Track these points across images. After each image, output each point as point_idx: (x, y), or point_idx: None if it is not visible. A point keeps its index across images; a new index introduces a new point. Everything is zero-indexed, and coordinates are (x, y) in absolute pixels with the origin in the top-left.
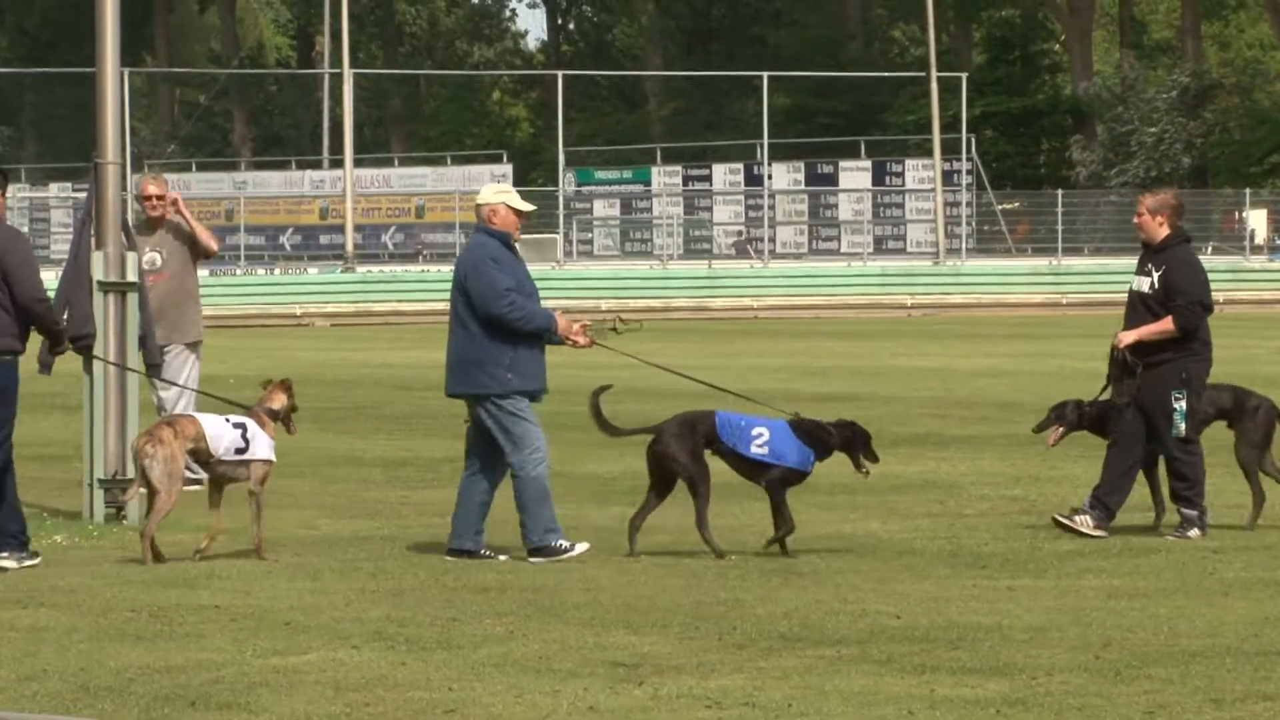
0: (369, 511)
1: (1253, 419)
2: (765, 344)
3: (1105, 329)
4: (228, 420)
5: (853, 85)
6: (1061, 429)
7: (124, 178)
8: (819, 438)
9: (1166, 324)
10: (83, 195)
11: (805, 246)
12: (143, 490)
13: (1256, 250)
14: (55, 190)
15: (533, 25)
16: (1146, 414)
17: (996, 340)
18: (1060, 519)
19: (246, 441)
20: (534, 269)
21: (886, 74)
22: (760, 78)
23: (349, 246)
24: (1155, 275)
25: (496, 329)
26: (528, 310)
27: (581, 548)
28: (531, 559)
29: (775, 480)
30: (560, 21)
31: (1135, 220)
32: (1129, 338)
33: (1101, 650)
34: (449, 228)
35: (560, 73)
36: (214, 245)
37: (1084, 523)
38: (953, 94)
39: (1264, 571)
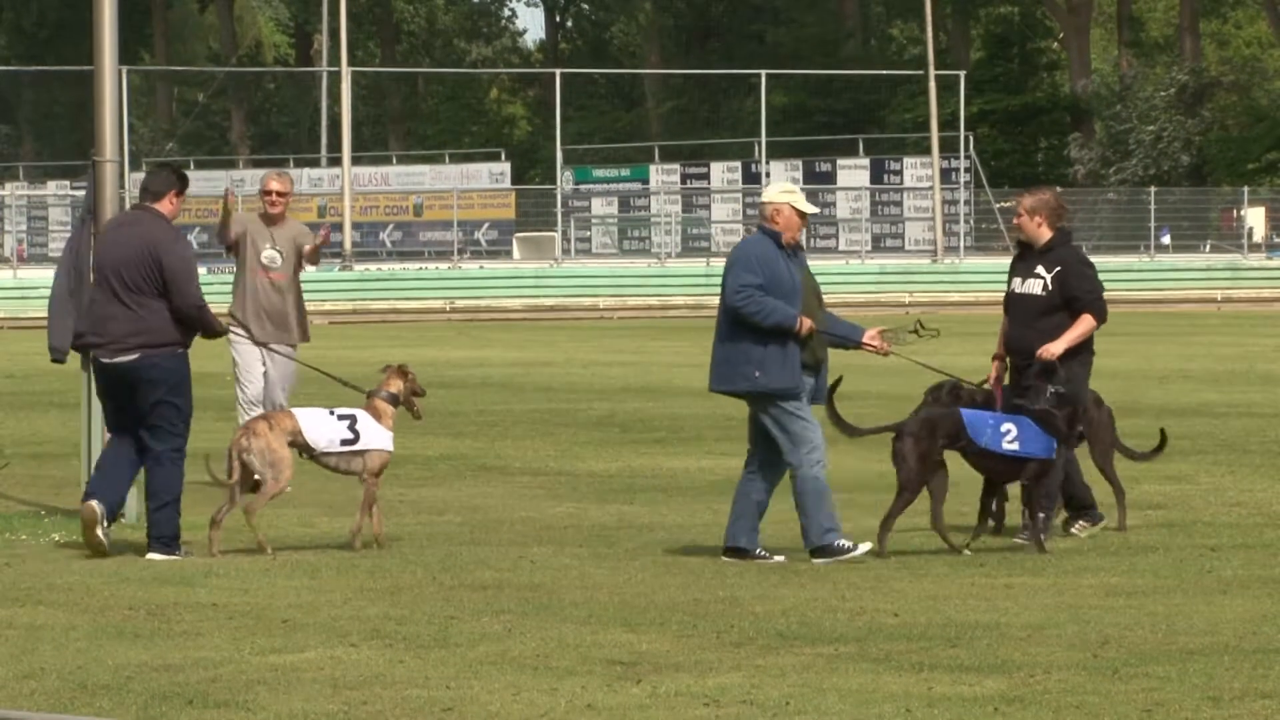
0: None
1: (1101, 421)
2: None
3: (1104, 327)
4: (333, 413)
5: (851, 83)
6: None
7: (122, 176)
8: (1055, 425)
9: (1087, 324)
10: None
11: (803, 245)
12: (231, 481)
13: (1254, 248)
14: (53, 188)
15: (531, 24)
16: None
17: (994, 339)
18: (1072, 531)
19: (355, 433)
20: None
21: (884, 72)
22: (758, 76)
23: (347, 245)
24: (1048, 277)
25: (745, 326)
26: (764, 305)
27: (864, 548)
28: (814, 560)
29: (1035, 475)
30: (558, 19)
31: (1015, 221)
32: (1059, 348)
33: (1099, 648)
34: (447, 226)
35: (558, 71)
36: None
37: (1082, 528)
38: (951, 92)
39: (1262, 569)
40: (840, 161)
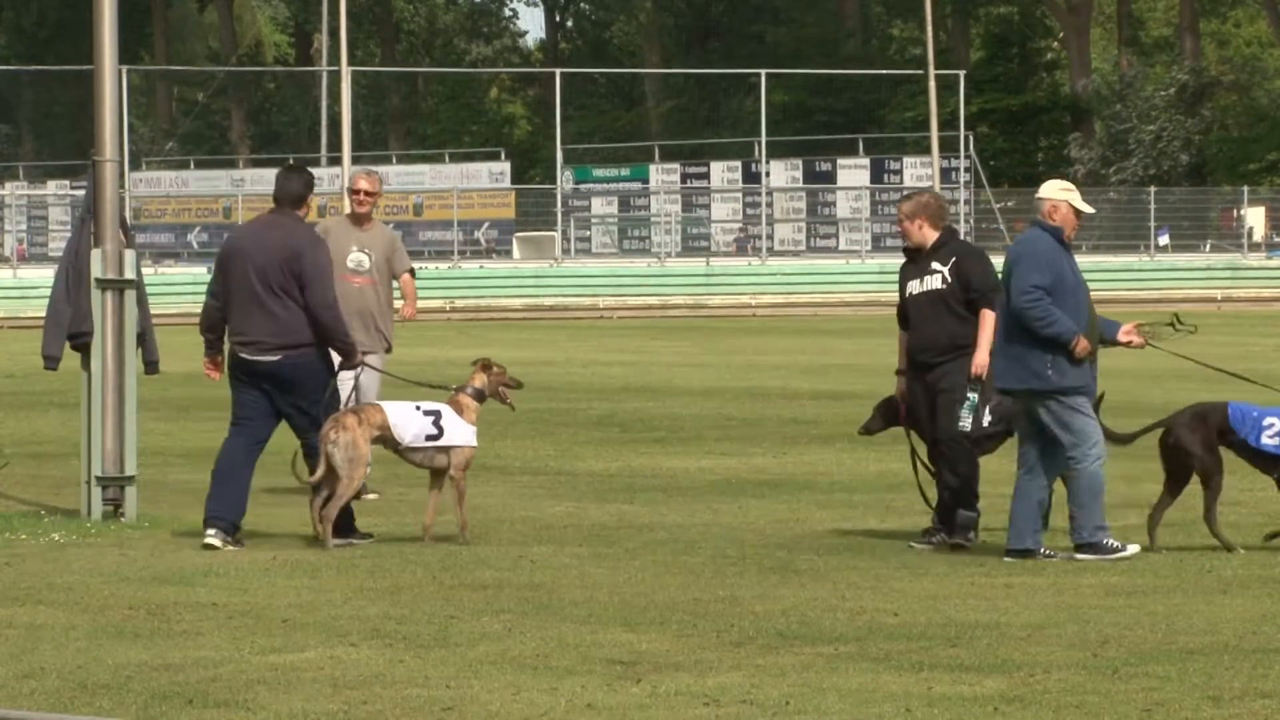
0: (366, 509)
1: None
2: (763, 341)
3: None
4: (418, 408)
5: (851, 83)
6: (883, 424)
7: (122, 175)
8: None
9: (991, 321)
10: (80, 193)
11: (803, 244)
12: (317, 477)
13: (1254, 248)
14: (53, 188)
15: (531, 23)
16: (926, 407)
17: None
18: (958, 542)
19: (440, 429)
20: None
21: (884, 71)
22: (758, 75)
23: None
24: (945, 269)
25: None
26: (1050, 314)
27: (1132, 549)
28: (1079, 555)
29: None
30: (558, 19)
31: (900, 228)
32: (983, 357)
33: (1099, 648)
34: (447, 225)
35: (558, 70)
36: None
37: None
38: (950, 91)
39: (1262, 569)
40: (840, 161)
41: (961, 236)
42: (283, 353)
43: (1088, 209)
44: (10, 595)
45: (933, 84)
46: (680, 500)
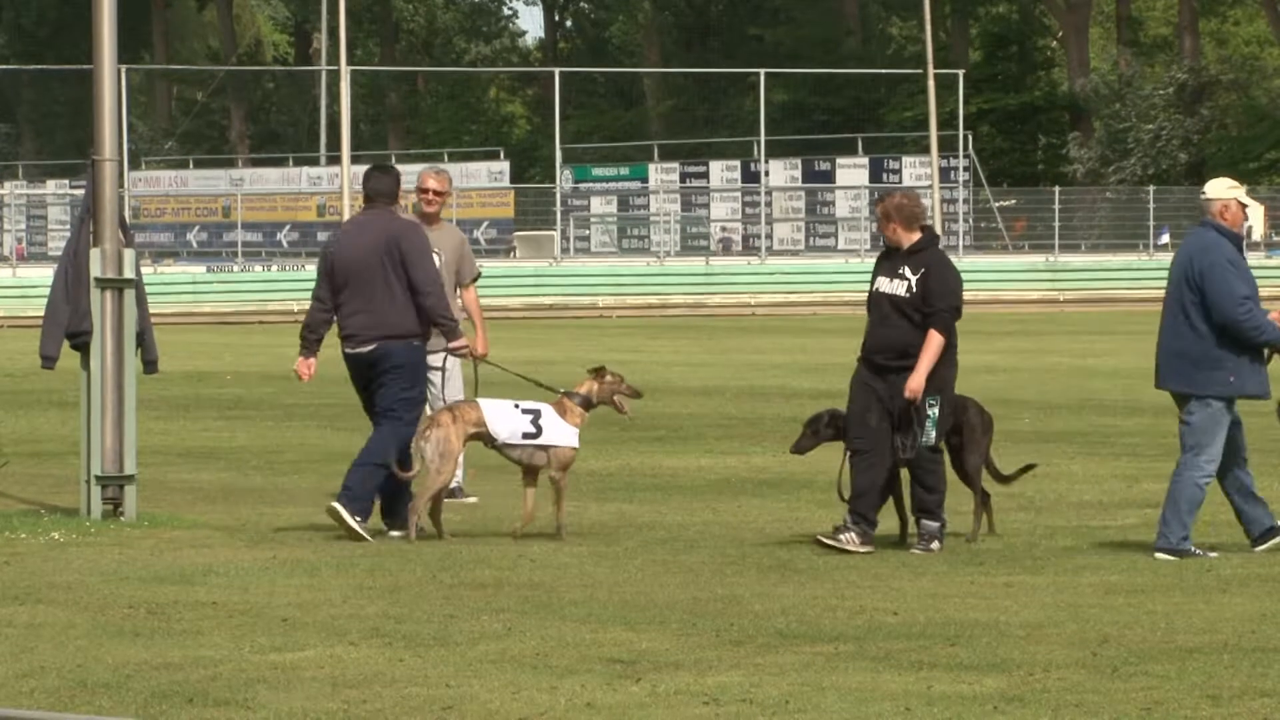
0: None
1: (982, 428)
2: (763, 341)
3: (1103, 326)
4: (517, 406)
5: (850, 82)
6: (819, 443)
7: (121, 175)
8: None
9: (936, 343)
10: (80, 192)
11: (802, 243)
12: (415, 472)
13: (1253, 247)
14: (52, 187)
15: (530, 23)
16: (893, 419)
17: (994, 337)
18: (823, 539)
19: (538, 428)
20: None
21: (883, 71)
22: (757, 74)
23: None
24: (913, 279)
25: (1227, 333)
26: (1262, 322)
27: (1213, 556)
28: (1158, 554)
29: None
30: (558, 18)
31: (880, 228)
32: (919, 382)
33: (1099, 647)
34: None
35: (557, 70)
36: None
37: (850, 540)
38: (950, 91)
39: (1261, 568)
40: (839, 160)
41: (942, 243)
42: (378, 342)
43: (1252, 203)
44: (10, 594)
45: (932, 83)
46: (680, 499)
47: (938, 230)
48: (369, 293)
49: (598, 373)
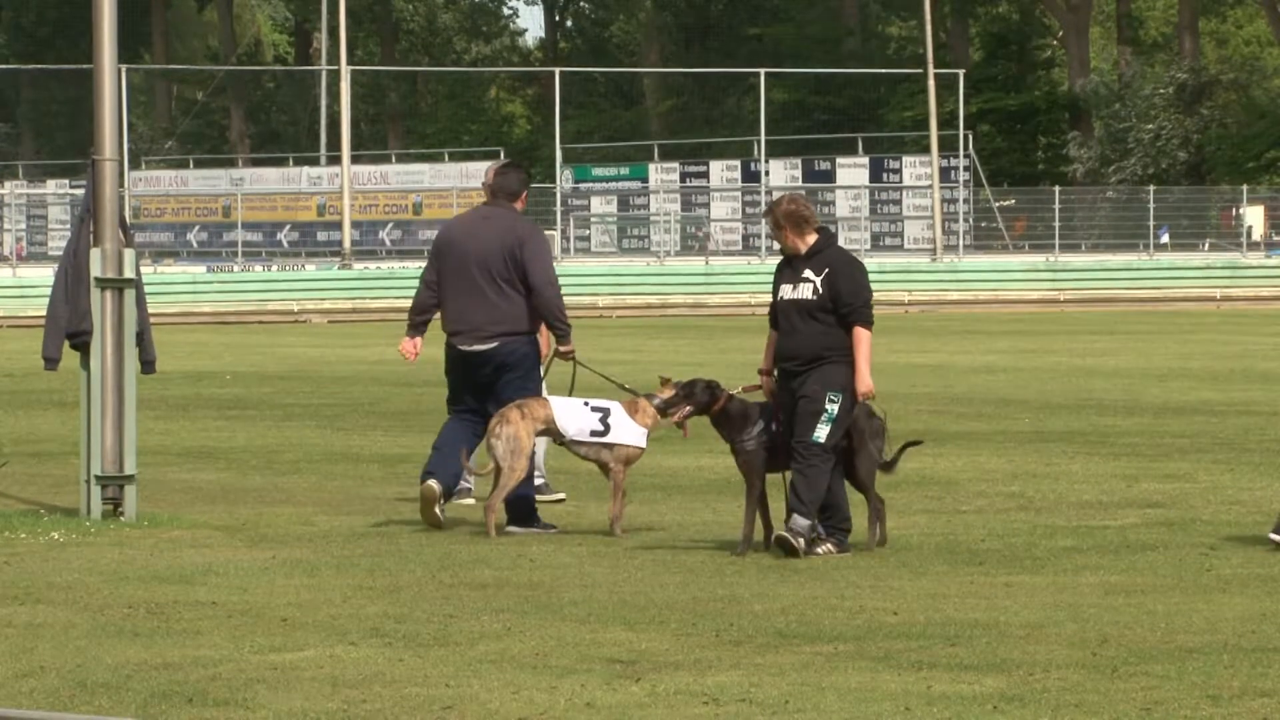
0: (366, 508)
1: (872, 432)
2: (762, 341)
3: (1103, 326)
4: (586, 404)
5: (850, 82)
6: (689, 408)
7: (121, 174)
8: None
9: (866, 339)
10: (80, 192)
11: None
12: (489, 469)
13: (1253, 247)
14: (52, 187)
15: (530, 22)
16: (789, 413)
17: (994, 337)
18: (784, 536)
19: (606, 425)
20: None
21: (884, 70)
22: (758, 74)
23: (346, 243)
24: (817, 280)
25: None
26: None
27: None
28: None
29: None
30: (558, 18)
31: (770, 232)
32: (866, 384)
33: (1099, 647)
34: None
35: (557, 69)
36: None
37: (828, 551)
38: (950, 90)
39: (1261, 568)
40: (839, 160)
41: (840, 242)
42: (499, 340)
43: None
44: (9, 594)
45: (932, 83)
46: (679, 499)
47: (938, 230)
48: (488, 288)
49: (669, 384)
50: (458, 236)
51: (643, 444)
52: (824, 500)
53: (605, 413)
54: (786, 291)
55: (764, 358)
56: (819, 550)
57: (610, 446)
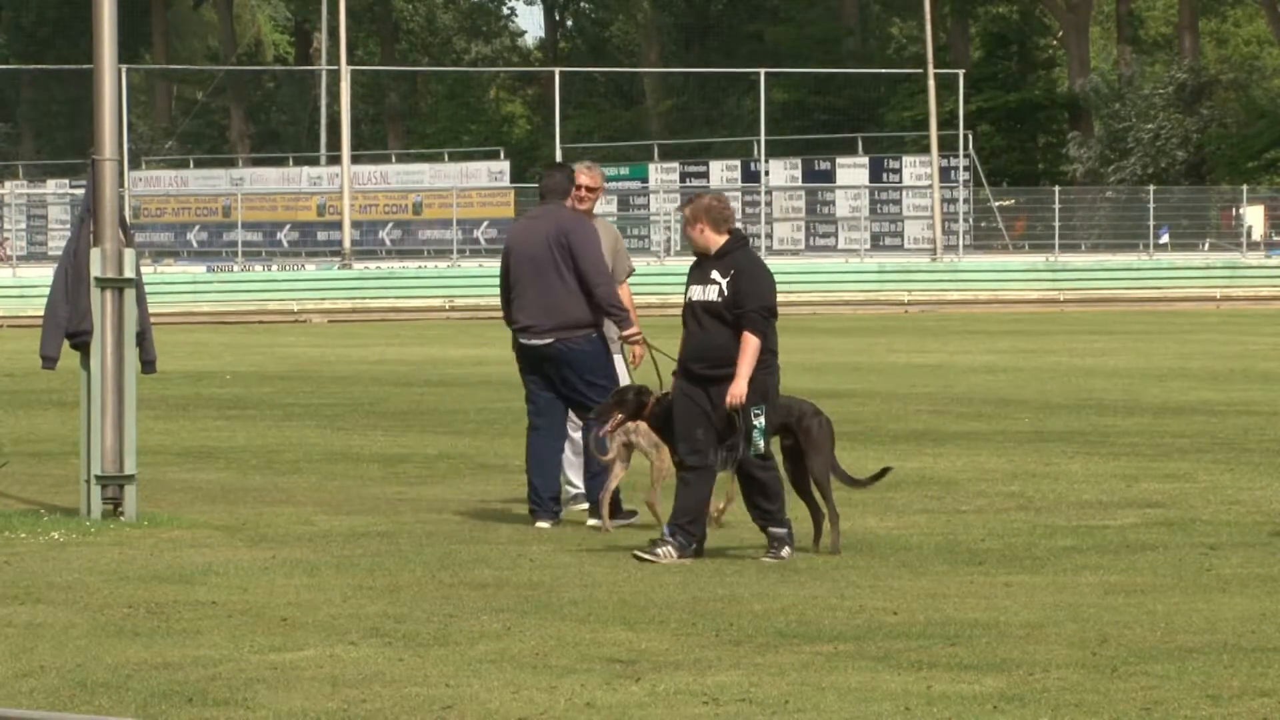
0: (366, 508)
1: (823, 436)
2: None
3: (1103, 326)
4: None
5: (850, 81)
6: (620, 416)
7: (121, 174)
8: None
9: (753, 346)
10: (80, 192)
11: (802, 243)
12: (609, 457)
13: (1253, 247)
14: (53, 186)
15: (530, 22)
16: (717, 432)
17: (994, 336)
18: (640, 554)
19: None
20: None
21: (883, 70)
22: (757, 74)
23: (346, 243)
24: (723, 282)
25: None
26: None
27: None
28: None
29: None
30: (558, 18)
31: (685, 233)
32: (741, 388)
33: (1098, 646)
34: (446, 224)
35: (557, 69)
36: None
37: (666, 554)
38: (950, 90)
39: (1261, 568)
40: (839, 160)
41: (750, 245)
42: (556, 334)
43: None
44: (10, 594)
45: (932, 82)
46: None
47: (938, 229)
48: (543, 285)
49: None
50: (517, 237)
51: None
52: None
53: None
54: (695, 292)
55: (680, 358)
56: (658, 550)
57: None
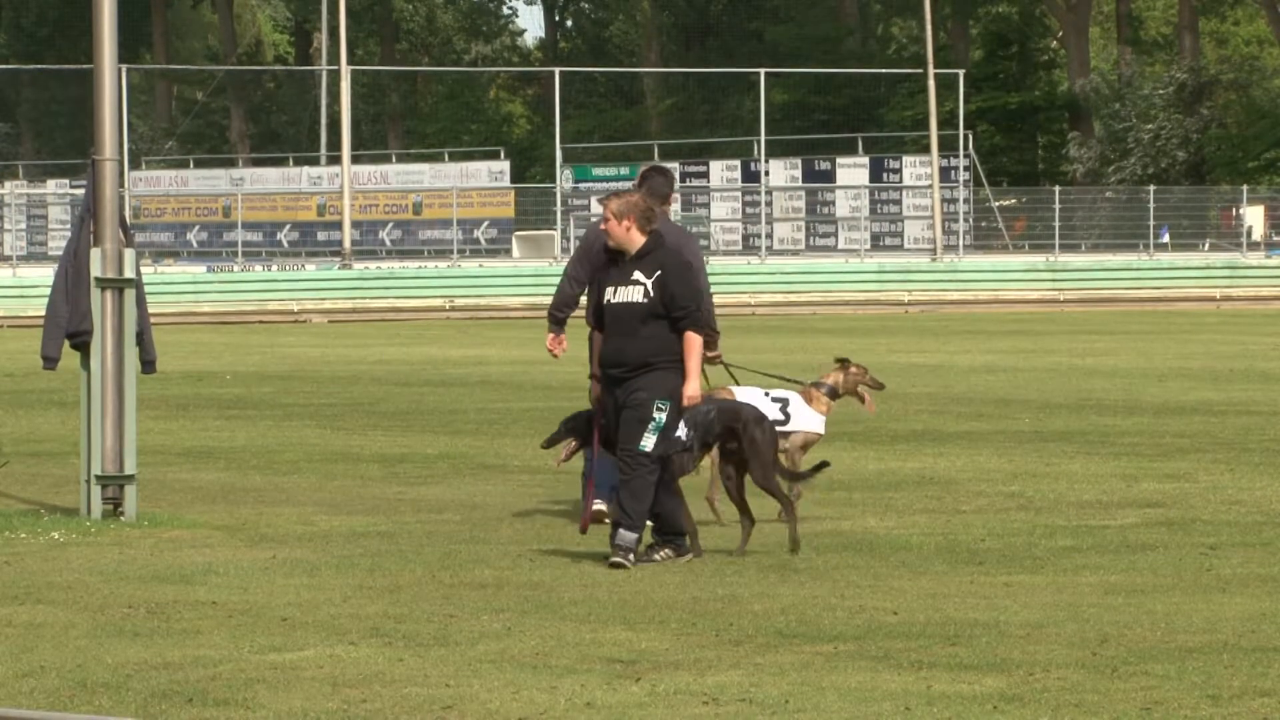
0: (366, 508)
1: (764, 441)
2: (762, 340)
3: (1103, 326)
4: (767, 394)
5: (850, 81)
6: (575, 444)
7: (121, 174)
8: None
9: (698, 345)
10: (80, 192)
11: (803, 243)
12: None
13: (1253, 247)
14: (53, 187)
15: (530, 22)
16: (614, 419)
17: (993, 337)
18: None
19: (787, 415)
20: (531, 266)
21: (884, 70)
22: (758, 74)
23: (346, 243)
24: (648, 282)
25: None
26: None
27: None
28: None
29: None
30: (558, 18)
31: (603, 227)
32: (694, 388)
33: (1098, 646)
34: (446, 224)
35: (558, 69)
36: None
37: (666, 556)
38: (950, 90)
39: (1261, 568)
40: (839, 160)
41: (840, 243)
42: None
43: None
44: (10, 594)
45: (932, 83)
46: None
47: (938, 229)
48: None
49: (843, 364)
50: (604, 239)
51: (821, 429)
52: (654, 509)
53: (785, 402)
54: (616, 294)
55: (592, 362)
56: (656, 557)
57: (788, 434)
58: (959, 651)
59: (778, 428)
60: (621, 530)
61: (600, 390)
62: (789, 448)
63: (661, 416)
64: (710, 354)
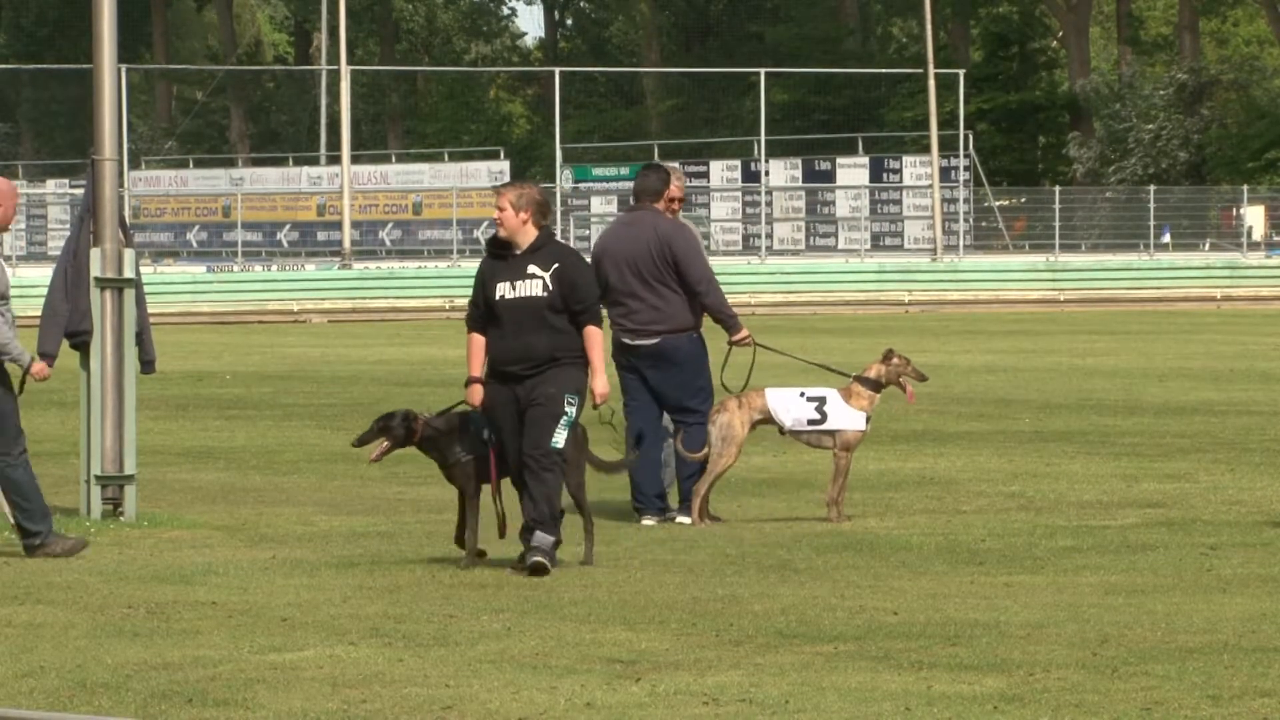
0: (366, 508)
1: (576, 445)
2: (762, 340)
3: (1103, 326)
4: (802, 394)
5: (850, 81)
6: (387, 444)
7: (121, 174)
8: None
9: (598, 339)
10: (80, 192)
11: (803, 243)
12: (702, 454)
13: (1254, 247)
14: (52, 186)
15: (530, 22)
16: (513, 419)
17: (994, 337)
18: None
19: (823, 414)
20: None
21: (884, 70)
22: (758, 74)
23: (346, 243)
24: (546, 275)
25: None
26: None
27: None
28: None
29: None
30: (558, 18)
31: (497, 217)
32: (603, 385)
33: (1099, 647)
34: (446, 224)
35: (558, 69)
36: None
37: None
38: (950, 90)
39: (1261, 568)
40: (840, 160)
41: (840, 243)
42: (661, 336)
43: None
44: (9, 594)
45: (932, 83)
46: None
47: (938, 229)
48: (645, 291)
49: (886, 356)
50: (610, 245)
51: (863, 426)
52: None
53: (821, 401)
54: (505, 290)
55: (471, 365)
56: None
57: (832, 433)
58: (959, 652)
59: (815, 427)
60: (539, 533)
61: (486, 394)
62: (836, 447)
63: (573, 411)
64: (738, 337)
